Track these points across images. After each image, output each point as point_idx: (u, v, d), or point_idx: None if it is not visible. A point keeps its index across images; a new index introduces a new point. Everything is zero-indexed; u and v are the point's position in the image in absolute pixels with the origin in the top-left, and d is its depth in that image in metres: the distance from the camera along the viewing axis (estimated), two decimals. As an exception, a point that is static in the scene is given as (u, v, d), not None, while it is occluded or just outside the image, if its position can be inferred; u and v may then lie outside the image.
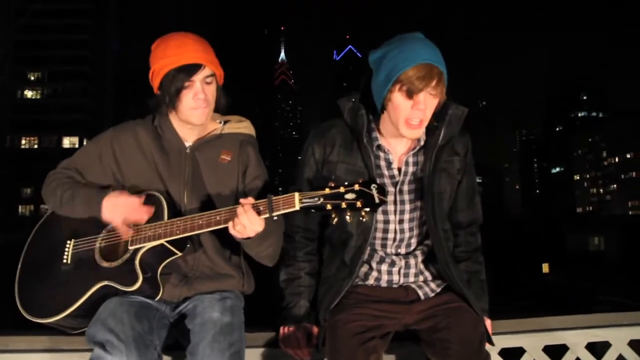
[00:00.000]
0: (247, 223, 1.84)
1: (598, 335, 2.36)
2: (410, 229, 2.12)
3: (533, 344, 2.30)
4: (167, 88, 1.99)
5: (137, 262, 1.93)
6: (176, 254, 1.99)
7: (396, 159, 2.12)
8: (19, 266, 2.09)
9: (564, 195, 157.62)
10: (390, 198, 2.08)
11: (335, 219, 1.84)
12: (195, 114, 2.03)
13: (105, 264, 1.97)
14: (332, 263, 2.17)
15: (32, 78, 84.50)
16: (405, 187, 2.10)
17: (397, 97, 1.95)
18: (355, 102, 2.12)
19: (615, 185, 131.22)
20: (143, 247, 1.95)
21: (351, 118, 2.12)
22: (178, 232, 1.93)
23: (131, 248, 1.96)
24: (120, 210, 1.96)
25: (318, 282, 2.19)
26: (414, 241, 2.13)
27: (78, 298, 1.93)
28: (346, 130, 2.14)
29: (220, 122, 2.21)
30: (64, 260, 2.04)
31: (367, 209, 1.81)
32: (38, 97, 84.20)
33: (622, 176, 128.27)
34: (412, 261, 2.12)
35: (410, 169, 2.11)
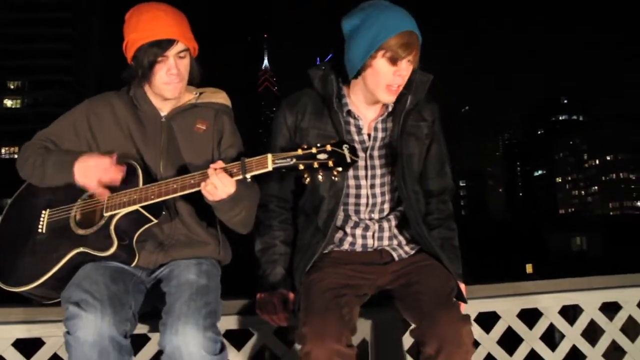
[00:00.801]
0: (218, 183, 1.86)
1: (570, 299, 2.41)
2: (382, 194, 2.15)
3: (507, 308, 2.34)
4: (140, 62, 1.98)
5: (112, 227, 1.94)
6: (152, 220, 2.00)
7: (366, 124, 2.16)
8: None
9: (547, 198, 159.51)
10: (361, 163, 2.12)
11: (308, 179, 1.87)
12: (168, 89, 2.04)
13: (80, 232, 1.97)
14: (307, 231, 2.19)
15: (12, 87, 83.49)
16: (376, 153, 2.14)
17: (380, 64, 2.00)
18: (325, 69, 2.17)
19: (596, 187, 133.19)
20: (118, 213, 1.95)
21: (321, 85, 2.16)
22: (152, 196, 1.94)
23: (106, 215, 1.96)
24: (92, 171, 1.96)
25: (293, 252, 2.22)
26: (386, 207, 2.17)
27: (53, 265, 1.93)
28: (317, 98, 2.18)
29: (196, 94, 2.23)
30: (39, 230, 2.03)
31: (339, 169, 1.83)
32: (18, 106, 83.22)
33: (603, 178, 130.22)
34: (385, 224, 2.16)
35: (380, 134, 2.15)
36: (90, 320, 1.70)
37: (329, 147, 1.84)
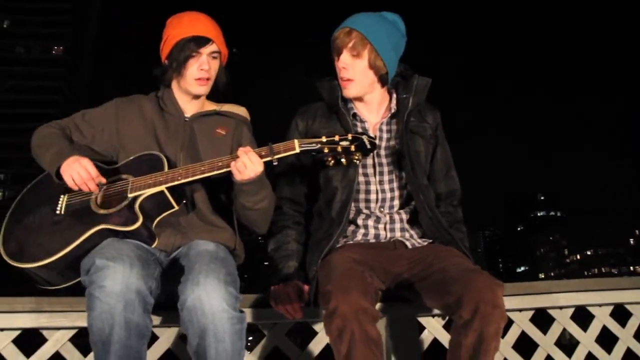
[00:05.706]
0: (248, 162, 1.93)
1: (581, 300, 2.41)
2: (391, 190, 2.21)
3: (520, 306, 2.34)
4: (177, 55, 2.11)
5: (136, 206, 1.94)
6: (173, 206, 2.00)
7: (371, 127, 2.27)
8: (6, 217, 2.05)
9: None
10: (369, 162, 2.22)
11: (332, 162, 1.96)
12: (197, 85, 2.15)
13: (102, 211, 1.96)
14: (320, 229, 2.21)
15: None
16: (382, 152, 2.23)
17: (335, 60, 2.21)
18: (330, 78, 2.31)
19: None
20: (143, 194, 1.96)
21: (328, 92, 2.30)
22: (180, 177, 1.96)
23: (130, 195, 1.97)
24: (75, 171, 1.96)
25: (306, 250, 2.22)
26: (396, 202, 2.21)
27: (73, 240, 1.88)
28: (325, 106, 2.33)
29: (219, 106, 2.33)
30: (57, 212, 2.01)
31: (360, 153, 1.95)
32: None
33: (585, 273, 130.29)
34: (396, 217, 2.19)
35: (385, 135, 2.26)
36: (118, 270, 1.66)
37: (350, 136, 1.97)
